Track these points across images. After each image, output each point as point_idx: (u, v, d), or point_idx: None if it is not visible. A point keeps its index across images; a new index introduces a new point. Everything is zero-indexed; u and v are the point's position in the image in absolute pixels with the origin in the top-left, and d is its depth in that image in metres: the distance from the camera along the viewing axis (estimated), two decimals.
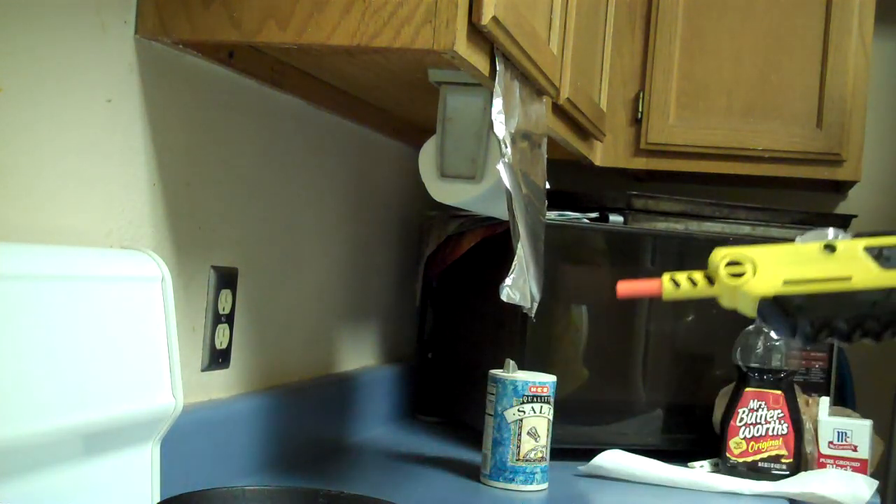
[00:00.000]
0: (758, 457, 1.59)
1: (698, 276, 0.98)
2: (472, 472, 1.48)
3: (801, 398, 1.65)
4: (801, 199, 2.25)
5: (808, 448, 1.62)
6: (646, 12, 2.00)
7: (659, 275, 0.98)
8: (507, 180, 1.13)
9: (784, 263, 0.96)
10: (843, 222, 1.96)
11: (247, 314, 1.34)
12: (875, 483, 1.53)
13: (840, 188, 2.16)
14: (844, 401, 2.00)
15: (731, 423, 1.60)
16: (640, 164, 2.02)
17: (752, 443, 1.59)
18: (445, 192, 1.32)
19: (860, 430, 1.61)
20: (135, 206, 1.09)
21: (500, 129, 1.12)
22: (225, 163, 1.26)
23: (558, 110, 1.54)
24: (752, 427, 1.59)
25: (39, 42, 0.92)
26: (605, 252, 1.70)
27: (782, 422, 1.59)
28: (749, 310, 0.96)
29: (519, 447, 1.42)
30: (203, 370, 1.24)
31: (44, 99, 0.93)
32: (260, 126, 1.33)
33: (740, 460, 1.59)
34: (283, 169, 1.41)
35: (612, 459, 1.54)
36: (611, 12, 1.88)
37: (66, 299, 0.88)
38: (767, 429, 1.58)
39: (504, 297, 1.15)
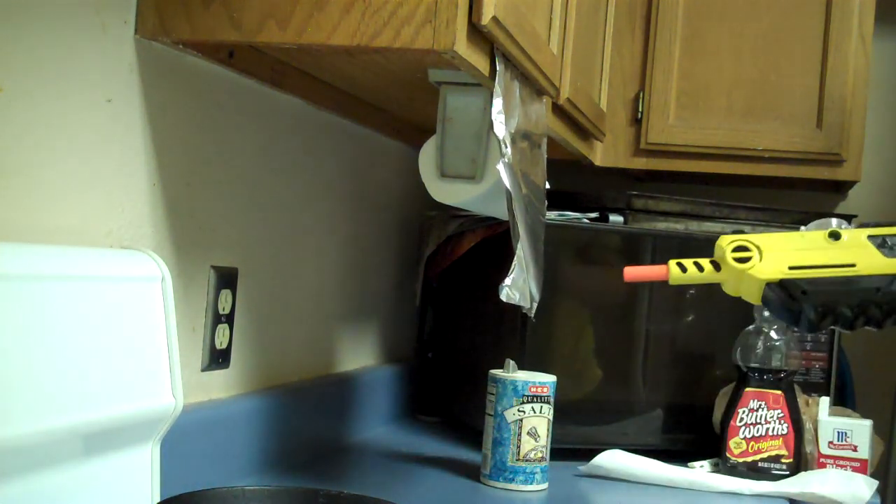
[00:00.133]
0: (758, 457, 1.59)
1: (705, 261, 0.99)
2: (472, 472, 1.48)
3: (801, 398, 1.65)
4: (801, 199, 2.25)
5: (808, 448, 1.62)
6: (646, 12, 2.01)
7: None
8: (507, 180, 1.13)
9: (790, 250, 0.97)
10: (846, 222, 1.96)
11: (247, 314, 1.34)
12: (875, 483, 1.53)
13: (840, 188, 2.16)
14: (844, 401, 2.00)
15: (731, 423, 1.60)
16: (640, 164, 2.02)
17: (752, 443, 1.59)
18: (445, 192, 1.32)
19: (860, 430, 1.61)
20: (135, 206, 1.09)
21: (500, 129, 1.12)
22: (225, 163, 1.26)
23: (558, 110, 1.54)
24: (752, 427, 1.59)
25: (39, 42, 0.92)
26: (605, 252, 1.70)
27: (782, 422, 1.59)
28: (754, 295, 0.97)
29: (519, 447, 1.42)
30: (203, 370, 1.24)
31: (44, 99, 0.93)
32: (260, 126, 1.33)
33: (740, 460, 1.59)
34: (283, 169, 1.41)
35: (612, 459, 1.54)
36: (611, 12, 1.88)
37: (66, 299, 0.88)
38: (767, 429, 1.58)
39: (504, 297, 1.15)
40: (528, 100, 1.27)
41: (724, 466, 1.60)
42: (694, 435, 1.72)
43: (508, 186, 1.13)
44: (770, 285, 0.95)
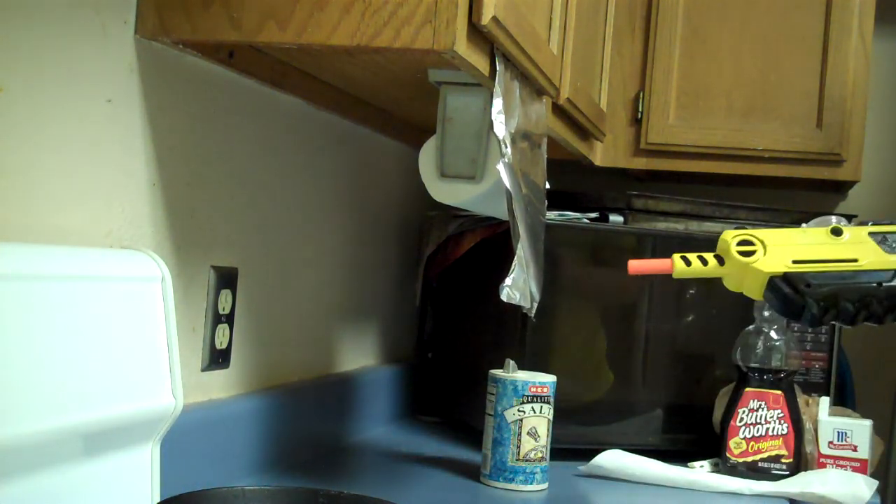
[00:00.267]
0: (758, 457, 1.59)
1: (709, 255, 1.00)
2: (472, 472, 1.48)
3: (801, 398, 1.65)
4: (801, 199, 2.25)
5: (808, 448, 1.62)
6: (646, 12, 2.01)
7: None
8: (507, 180, 1.13)
9: (793, 245, 0.98)
10: (847, 221, 1.96)
11: (247, 314, 1.34)
12: (875, 483, 1.53)
13: (840, 188, 2.16)
14: (844, 401, 2.00)
15: (731, 423, 1.60)
16: (640, 164, 2.02)
17: (752, 443, 1.59)
18: (445, 192, 1.32)
19: (860, 430, 1.61)
20: (135, 206, 1.09)
21: (500, 129, 1.12)
22: (225, 163, 1.26)
23: (558, 110, 1.54)
24: (752, 427, 1.59)
25: (39, 42, 0.92)
26: (606, 252, 1.70)
27: (782, 422, 1.59)
28: (756, 290, 0.98)
29: (519, 447, 1.42)
30: (203, 370, 1.24)
31: (44, 99, 0.93)
32: (260, 126, 1.33)
33: (740, 460, 1.59)
34: (283, 169, 1.41)
35: (612, 459, 1.54)
36: (611, 12, 1.88)
37: (66, 299, 0.88)
38: (767, 429, 1.58)
39: (504, 297, 1.15)
40: (528, 100, 1.27)
41: (724, 466, 1.60)
42: (694, 435, 1.72)
43: (508, 186, 1.13)
44: (774, 279, 0.96)
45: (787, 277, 0.95)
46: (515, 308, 1.20)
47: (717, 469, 1.61)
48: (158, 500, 0.99)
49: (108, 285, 0.94)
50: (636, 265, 1.01)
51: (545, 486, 1.44)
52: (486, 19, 1.01)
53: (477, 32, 1.04)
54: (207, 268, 1.24)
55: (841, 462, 1.60)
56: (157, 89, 1.10)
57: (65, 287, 0.88)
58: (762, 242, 0.97)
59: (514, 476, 1.42)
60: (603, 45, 1.85)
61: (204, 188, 1.21)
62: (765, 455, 1.58)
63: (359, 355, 1.76)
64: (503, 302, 1.16)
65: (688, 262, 0.99)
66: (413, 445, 1.67)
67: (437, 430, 1.82)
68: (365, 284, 1.76)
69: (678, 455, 1.64)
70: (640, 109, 2.00)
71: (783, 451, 1.59)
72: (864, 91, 1.94)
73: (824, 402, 1.65)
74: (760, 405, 1.59)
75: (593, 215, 1.76)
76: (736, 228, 1.00)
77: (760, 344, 1.60)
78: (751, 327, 1.62)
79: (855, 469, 1.59)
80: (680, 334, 1.74)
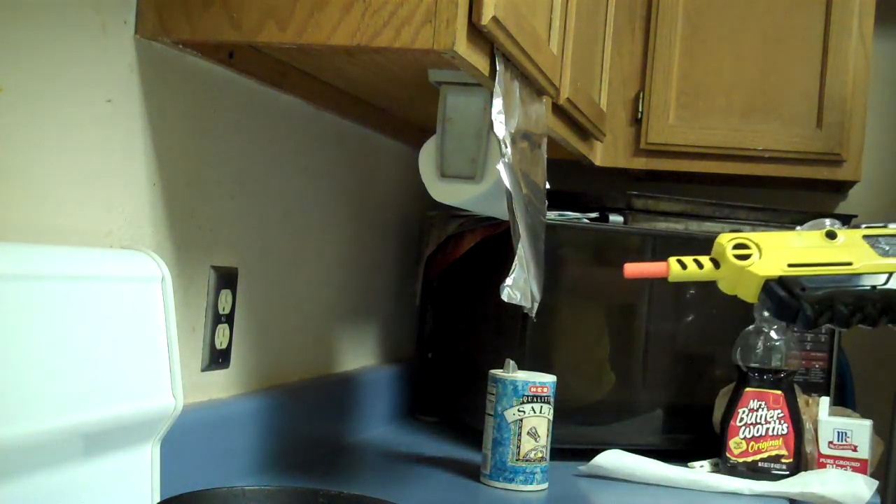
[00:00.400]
0: (758, 457, 1.59)
1: (704, 258, 1.00)
2: (472, 472, 1.48)
3: (801, 398, 1.65)
4: (801, 199, 2.25)
5: (808, 448, 1.62)
6: (646, 12, 2.01)
7: None
8: (507, 180, 1.13)
9: (788, 248, 0.99)
10: (842, 222, 1.95)
11: (247, 314, 1.34)
12: (875, 483, 1.53)
13: (840, 188, 2.16)
14: (844, 401, 2.01)
15: (731, 423, 1.60)
16: (640, 164, 2.02)
17: (752, 443, 1.59)
18: (445, 192, 1.32)
19: (860, 430, 1.61)
20: (135, 206, 1.09)
21: (500, 129, 1.12)
22: (225, 163, 1.26)
23: (558, 110, 1.54)
24: (752, 427, 1.59)
25: (39, 42, 0.92)
26: (605, 252, 1.70)
27: (782, 422, 1.59)
28: (751, 293, 0.98)
29: (519, 447, 1.42)
30: (203, 370, 1.24)
31: (44, 99, 0.93)
32: (260, 126, 1.33)
33: (740, 460, 1.59)
34: (283, 169, 1.41)
35: (612, 459, 1.54)
36: (611, 12, 1.88)
37: (66, 299, 0.88)
38: (767, 429, 1.58)
39: (505, 297, 1.15)
40: (528, 100, 1.27)
41: (724, 466, 1.60)
42: (694, 435, 1.72)
43: (508, 186, 1.13)
44: (769, 282, 0.96)
45: (782, 281, 0.96)
46: (516, 308, 1.20)
47: (717, 469, 1.61)
48: (158, 500, 0.99)
49: (108, 285, 0.94)
50: (632, 268, 1.01)
51: (545, 486, 1.44)
52: (486, 19, 1.01)
53: (477, 32, 1.04)
54: (207, 268, 1.24)
55: (841, 462, 1.60)
56: (157, 89, 1.10)
57: (65, 287, 0.88)
58: (757, 246, 0.98)
59: (514, 476, 1.42)
60: (603, 45, 1.85)
61: (204, 188, 1.21)
62: (765, 455, 1.59)
63: (359, 355, 1.76)
64: (503, 302, 1.16)
65: (683, 266, 1.00)
66: (413, 445, 1.67)
67: (436, 429, 1.82)
68: (365, 284, 1.76)
69: (678, 455, 1.64)
70: (640, 109, 2.00)
71: (783, 451, 1.59)
72: (863, 91, 1.95)
73: (824, 402, 1.65)
74: (760, 405, 1.59)
75: (593, 215, 1.76)
76: (734, 230, 1.01)
77: (760, 344, 1.60)
78: (751, 327, 1.62)
79: (855, 469, 1.59)
80: (680, 334, 1.74)
